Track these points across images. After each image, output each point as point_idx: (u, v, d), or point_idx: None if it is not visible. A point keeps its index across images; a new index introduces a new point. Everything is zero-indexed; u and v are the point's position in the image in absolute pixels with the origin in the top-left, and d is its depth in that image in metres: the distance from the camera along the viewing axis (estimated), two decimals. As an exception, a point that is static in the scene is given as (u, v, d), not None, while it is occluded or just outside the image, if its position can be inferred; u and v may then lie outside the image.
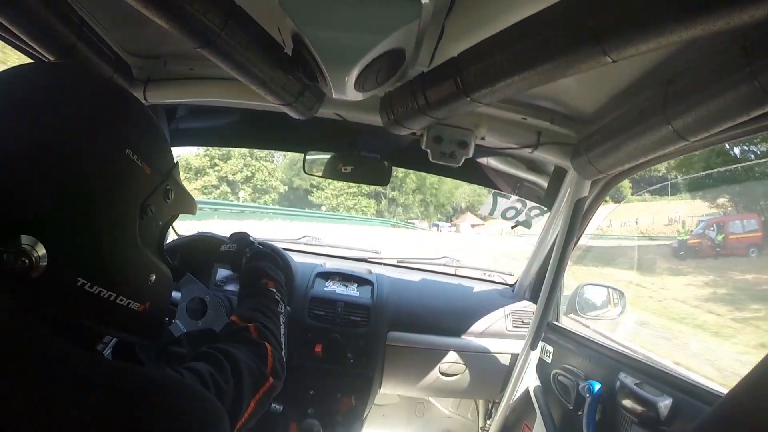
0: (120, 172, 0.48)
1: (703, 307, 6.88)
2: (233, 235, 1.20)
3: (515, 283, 1.74)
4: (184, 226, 1.71)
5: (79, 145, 0.45)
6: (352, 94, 0.87)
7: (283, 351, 0.79)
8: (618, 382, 1.02)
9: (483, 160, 1.49)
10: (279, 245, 1.52)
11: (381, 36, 0.73)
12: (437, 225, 28.07)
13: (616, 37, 0.58)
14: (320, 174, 1.42)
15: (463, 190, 31.26)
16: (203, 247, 1.28)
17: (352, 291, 1.53)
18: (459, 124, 1.17)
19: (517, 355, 1.44)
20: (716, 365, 4.66)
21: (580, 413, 1.12)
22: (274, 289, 0.91)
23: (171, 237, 1.59)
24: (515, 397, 1.47)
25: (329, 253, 1.96)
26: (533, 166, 1.49)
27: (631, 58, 0.60)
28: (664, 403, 0.88)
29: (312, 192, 28.65)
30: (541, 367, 1.41)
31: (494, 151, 1.37)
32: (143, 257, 0.52)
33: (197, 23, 0.71)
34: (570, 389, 1.20)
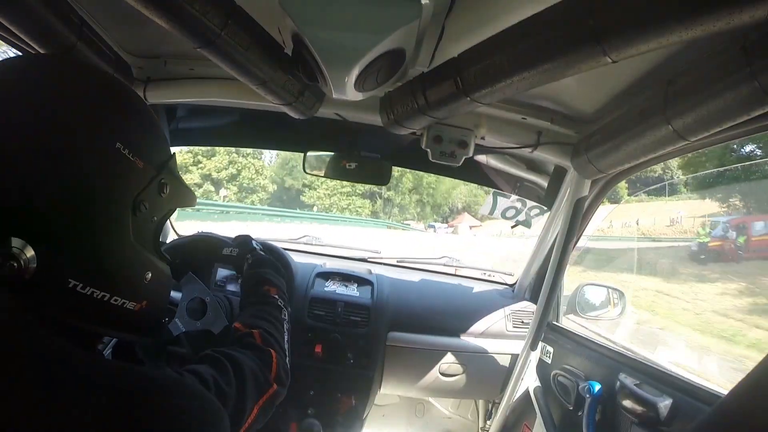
0: (109, 168, 0.46)
1: (748, 321, 6.01)
2: (237, 237, 1.20)
3: (515, 283, 1.74)
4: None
5: (65, 140, 0.43)
6: (352, 94, 0.87)
7: (287, 358, 0.78)
8: (618, 383, 1.02)
9: (483, 160, 1.49)
10: (279, 245, 1.52)
11: (381, 36, 0.73)
12: (433, 226, 27.20)
13: (616, 38, 0.58)
14: (321, 174, 1.42)
15: (460, 191, 30.70)
16: (203, 247, 1.28)
17: (352, 291, 1.53)
18: (459, 124, 1.17)
19: (517, 355, 1.44)
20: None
21: (580, 414, 1.12)
22: (276, 296, 0.90)
23: (171, 237, 1.59)
24: (515, 398, 1.47)
25: (329, 253, 1.96)
26: (533, 166, 1.49)
27: (631, 58, 0.60)
28: (664, 404, 0.88)
29: (304, 192, 27.73)
30: (541, 368, 1.41)
31: (494, 151, 1.38)
32: (138, 255, 0.51)
33: (197, 23, 0.71)
34: (570, 389, 1.20)
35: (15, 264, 0.40)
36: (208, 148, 22.17)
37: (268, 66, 0.85)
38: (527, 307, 1.61)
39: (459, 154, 1.18)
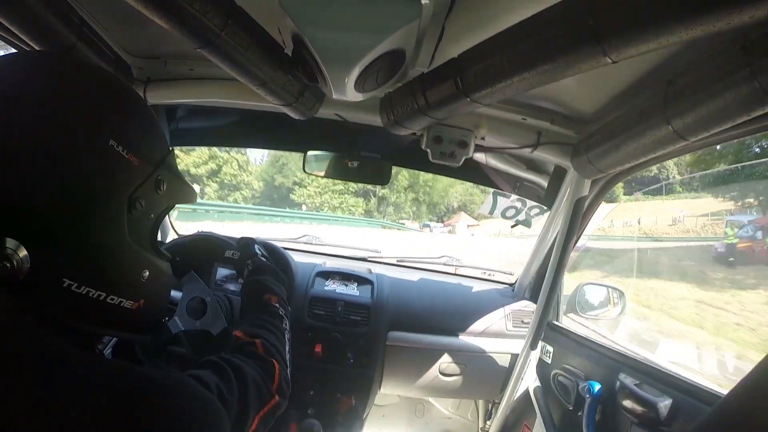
0: (103, 165, 0.45)
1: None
2: (240, 240, 1.20)
3: (515, 282, 1.74)
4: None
5: (58, 137, 0.43)
6: (352, 95, 0.87)
7: (288, 369, 0.77)
8: (618, 383, 1.02)
9: (483, 160, 1.49)
10: (279, 245, 1.52)
11: (381, 36, 0.73)
12: (428, 225, 26.45)
13: (616, 38, 0.57)
14: (321, 174, 1.42)
15: (456, 189, 30.07)
16: (204, 247, 1.29)
17: (352, 290, 1.54)
18: (459, 124, 1.17)
19: (517, 355, 1.44)
20: None
21: (580, 413, 1.12)
22: (277, 305, 0.89)
23: (171, 236, 1.59)
24: (515, 398, 1.47)
25: (329, 252, 1.96)
26: (533, 166, 1.49)
27: (631, 58, 0.60)
28: (664, 404, 0.88)
29: (294, 190, 26.50)
30: (541, 367, 1.41)
31: (494, 151, 1.38)
32: (134, 253, 0.50)
33: (197, 23, 0.71)
34: (570, 389, 1.20)
35: (8, 264, 0.40)
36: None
37: (268, 66, 0.85)
38: (527, 306, 1.61)
39: (459, 155, 1.18)
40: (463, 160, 1.19)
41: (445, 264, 1.95)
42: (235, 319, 1.09)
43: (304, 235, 2.01)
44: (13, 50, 0.93)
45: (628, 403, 0.96)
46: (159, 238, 0.58)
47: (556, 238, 1.32)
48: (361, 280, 1.58)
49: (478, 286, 1.75)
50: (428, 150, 1.18)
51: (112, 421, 0.39)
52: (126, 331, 0.52)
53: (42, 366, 0.38)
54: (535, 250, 1.56)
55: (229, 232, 1.32)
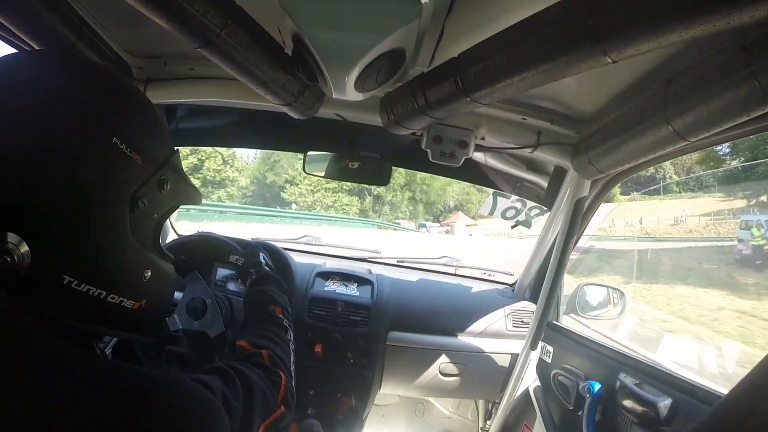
0: (106, 163, 0.45)
1: None
2: (245, 246, 1.20)
3: (515, 282, 1.74)
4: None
5: (60, 135, 0.43)
6: (352, 95, 0.87)
7: (293, 381, 0.76)
8: (618, 382, 1.02)
9: (483, 160, 1.49)
10: (279, 245, 1.52)
11: (381, 36, 0.73)
12: (424, 225, 26.03)
13: (616, 37, 0.57)
14: (321, 174, 1.42)
15: (452, 189, 29.44)
16: (204, 247, 1.29)
17: (352, 291, 1.54)
18: (459, 124, 1.17)
19: (517, 355, 1.44)
20: None
21: (580, 413, 1.12)
22: (281, 316, 0.89)
23: (171, 236, 1.59)
24: (515, 397, 1.47)
25: (329, 253, 1.96)
26: (533, 166, 1.49)
27: (631, 58, 0.60)
28: (664, 403, 0.88)
29: (285, 188, 25.45)
30: (541, 367, 1.41)
31: (494, 151, 1.38)
32: (136, 253, 0.50)
33: (197, 23, 0.71)
34: (570, 389, 1.20)
35: (9, 259, 0.40)
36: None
37: (268, 66, 0.85)
38: (527, 306, 1.61)
39: (459, 155, 1.18)
40: (463, 160, 1.19)
41: (445, 264, 1.95)
42: (235, 320, 1.09)
43: (304, 236, 2.01)
44: (13, 50, 0.93)
45: (628, 403, 0.96)
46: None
47: (556, 238, 1.32)
48: (361, 280, 1.58)
49: (478, 287, 1.75)
50: (428, 150, 1.18)
51: (112, 421, 0.39)
52: (126, 331, 0.52)
53: (42, 366, 0.38)
54: (535, 251, 1.56)
55: (221, 232, 1.31)
